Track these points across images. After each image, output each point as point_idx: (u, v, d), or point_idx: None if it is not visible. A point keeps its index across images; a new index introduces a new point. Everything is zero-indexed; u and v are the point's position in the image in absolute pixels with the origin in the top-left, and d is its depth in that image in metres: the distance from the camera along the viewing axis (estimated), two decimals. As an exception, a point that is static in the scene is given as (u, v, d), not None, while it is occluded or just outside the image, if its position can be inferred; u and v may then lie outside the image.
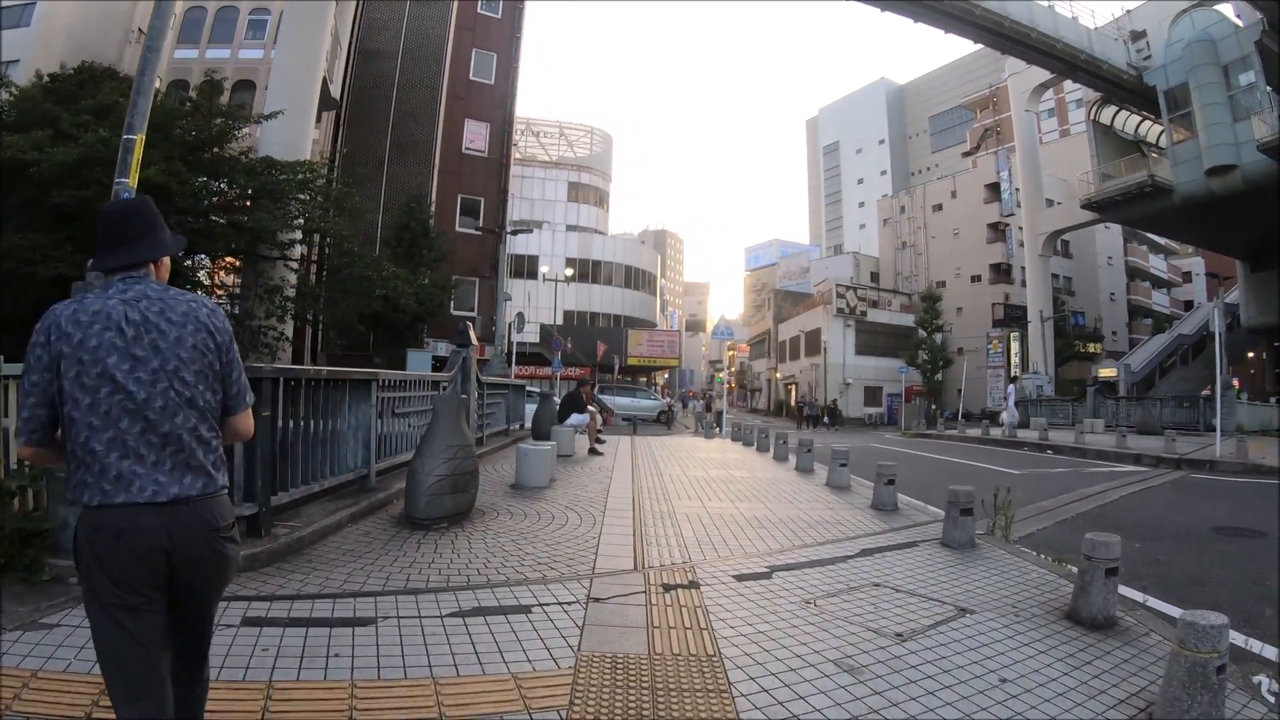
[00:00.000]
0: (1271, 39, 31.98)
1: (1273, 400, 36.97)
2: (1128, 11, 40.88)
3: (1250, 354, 50.59)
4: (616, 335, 57.18)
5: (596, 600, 5.03)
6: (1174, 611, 6.04)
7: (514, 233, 35.01)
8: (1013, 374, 45.38)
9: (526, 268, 59.14)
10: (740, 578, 5.80)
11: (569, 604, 4.92)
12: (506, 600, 4.97)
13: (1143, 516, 10.95)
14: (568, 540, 6.89)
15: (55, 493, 5.23)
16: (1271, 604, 6.25)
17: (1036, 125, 55.53)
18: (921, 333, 55.46)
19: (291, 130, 23.12)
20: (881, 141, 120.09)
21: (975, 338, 58.87)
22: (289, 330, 22.27)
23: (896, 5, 33.33)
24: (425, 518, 7.05)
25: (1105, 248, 68.12)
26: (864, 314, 60.32)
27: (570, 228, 69.35)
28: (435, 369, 19.22)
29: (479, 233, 35.15)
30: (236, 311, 20.81)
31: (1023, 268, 58.32)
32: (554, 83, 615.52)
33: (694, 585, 5.49)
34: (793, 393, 66.47)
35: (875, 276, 75.89)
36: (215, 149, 20.06)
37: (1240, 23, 35.70)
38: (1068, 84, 59.28)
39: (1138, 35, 39.61)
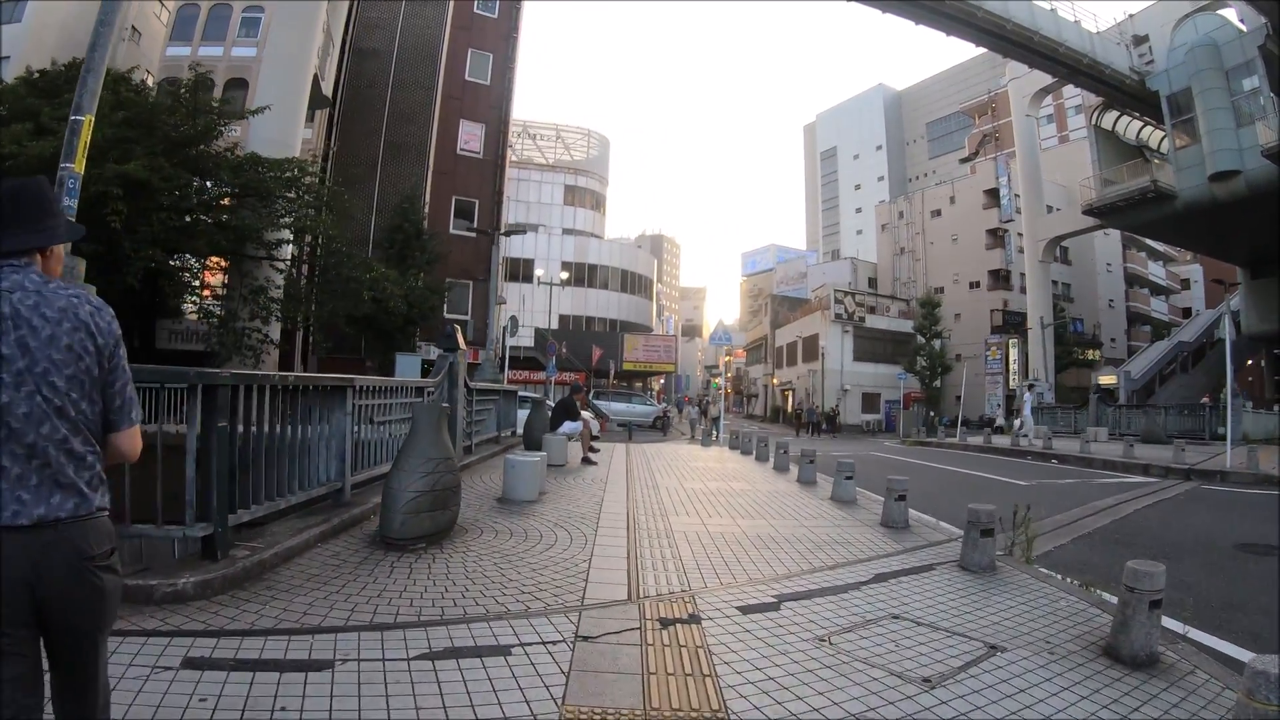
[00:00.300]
0: (1275, 43, 31.69)
1: (1275, 408, 36.48)
2: (1130, 16, 40.57)
3: (1249, 361, 50.16)
4: (612, 340, 56.78)
5: (585, 639, 4.46)
6: (1217, 644, 5.61)
7: (507, 234, 34.55)
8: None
9: (522, 271, 58.81)
10: (746, 610, 5.22)
11: (554, 643, 4.36)
12: (484, 638, 4.41)
13: (1161, 532, 10.47)
14: (556, 564, 6.30)
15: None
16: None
17: (1036, 131, 55.09)
18: (920, 339, 55.06)
19: (281, 127, 22.70)
20: (879, 147, 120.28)
21: (974, 344, 58.48)
22: (275, 333, 21.71)
23: (898, 6, 32.95)
24: (401, 538, 6.45)
25: (1104, 254, 67.84)
26: (862, 320, 59.90)
27: (566, 231, 69.04)
28: (425, 373, 18.66)
29: (473, 235, 34.69)
30: (222, 313, 20.33)
31: (1022, 274, 58.08)
32: (551, 86, 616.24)
33: (695, 620, 4.92)
34: (789, 398, 66.12)
35: (873, 282, 75.58)
36: (201, 145, 19.61)
37: (1244, 27, 35.39)
38: (1066, 90, 59.02)
39: (1140, 40, 39.29)
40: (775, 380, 71.42)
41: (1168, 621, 5.44)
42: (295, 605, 4.90)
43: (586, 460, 14.43)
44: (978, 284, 65.32)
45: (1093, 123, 46.06)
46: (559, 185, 72.17)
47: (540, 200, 70.36)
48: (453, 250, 34.84)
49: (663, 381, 74.56)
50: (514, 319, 30.70)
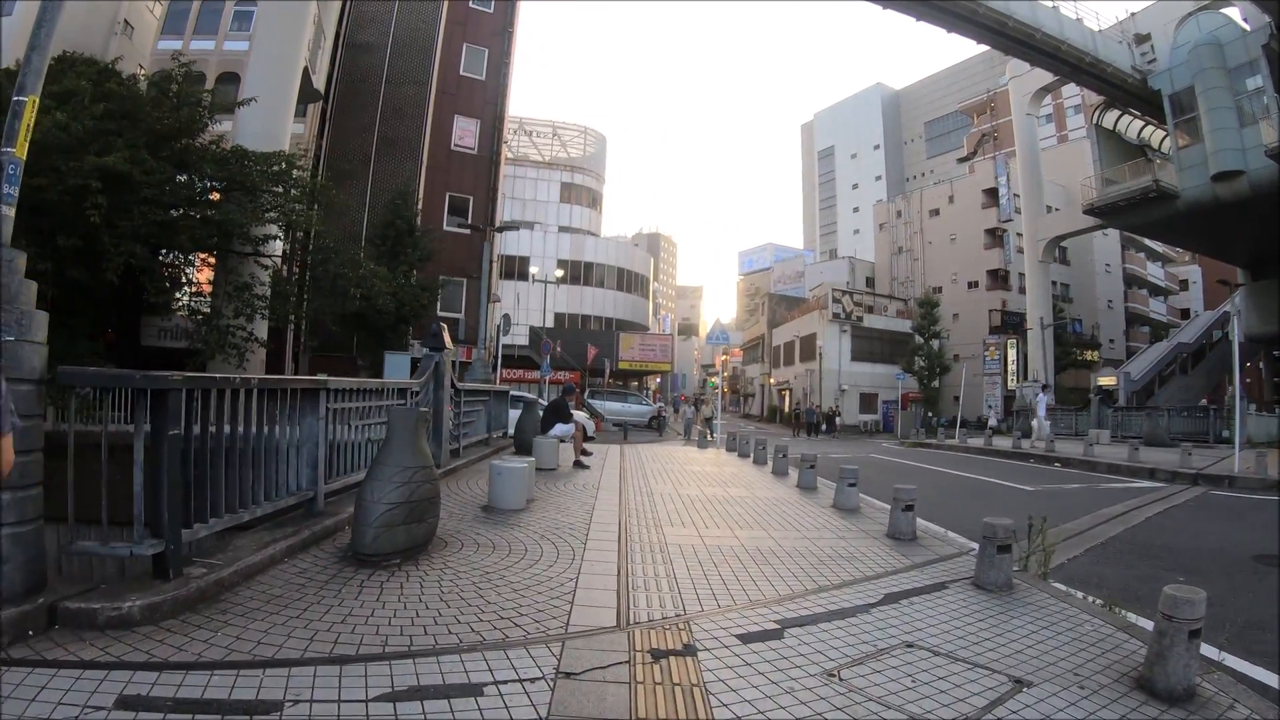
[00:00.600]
0: (1279, 42, 31.20)
1: (1277, 410, 36.06)
2: (1132, 14, 40.11)
3: (1248, 363, 49.77)
4: (608, 338, 56.43)
5: (568, 675, 3.98)
6: (1249, 670, 5.23)
7: (500, 229, 34.07)
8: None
9: (518, 269, 58.37)
10: (746, 638, 4.74)
11: (532, 680, 3.89)
12: (454, 674, 3.94)
13: (1175, 542, 10.03)
14: (540, 583, 5.81)
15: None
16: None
17: (1036, 130, 54.67)
18: (919, 338, 54.67)
19: (269, 120, 22.25)
20: (876, 147, 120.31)
21: (972, 344, 58.03)
22: (262, 331, 21.22)
23: (899, 4, 32.46)
24: (373, 554, 5.97)
25: (1103, 255, 67.49)
26: (860, 319, 59.50)
27: (563, 229, 68.61)
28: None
29: (467, 231, 34.19)
30: (206, 310, 19.87)
31: (1020, 274, 57.72)
32: (548, 83, 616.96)
33: (690, 651, 4.44)
34: (787, 398, 65.78)
35: (871, 281, 75.23)
36: (187, 139, 19.15)
37: (1247, 26, 34.93)
38: (1066, 90, 58.53)
39: (1142, 38, 38.82)
40: (772, 380, 71.06)
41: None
42: (250, 632, 4.45)
43: (579, 464, 13.97)
44: (976, 284, 64.88)
45: (1094, 122, 45.59)
46: (555, 183, 71.69)
47: (536, 198, 69.88)
48: (447, 247, 34.40)
49: (659, 381, 74.25)
50: (506, 317, 30.32)
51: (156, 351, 21.74)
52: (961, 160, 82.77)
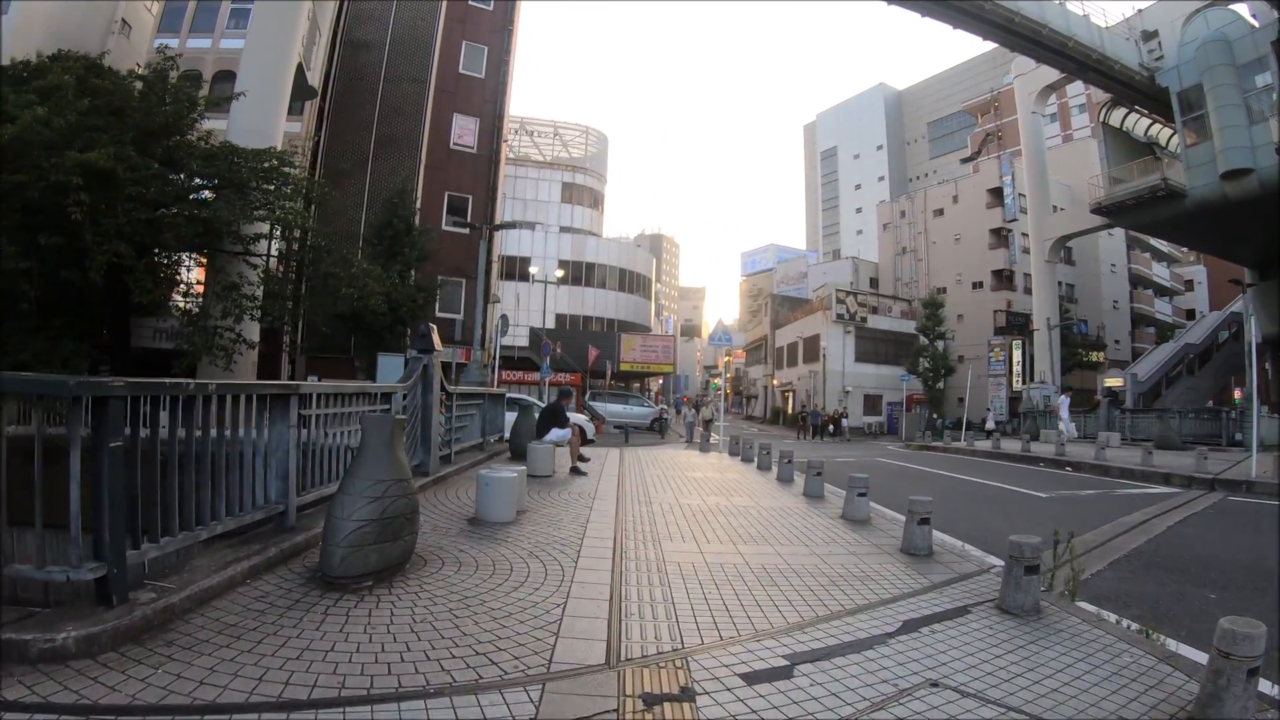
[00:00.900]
0: (1288, 39, 30.80)
1: (1287, 411, 35.52)
2: (1139, 11, 39.58)
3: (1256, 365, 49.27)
4: (610, 340, 55.87)
5: (546, 728, 3.48)
6: None
7: (496, 228, 33.61)
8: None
9: (518, 269, 57.88)
10: (751, 678, 4.20)
11: (506, 734, 3.39)
12: (416, 727, 3.44)
13: (1201, 553, 9.51)
14: (523, 609, 5.26)
15: None
16: None
17: (1042, 128, 54.16)
18: (923, 340, 54.11)
19: (261, 117, 21.79)
20: (879, 147, 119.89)
21: (977, 345, 57.39)
22: (253, 332, 20.75)
23: (905, 0, 32.01)
24: (341, 576, 5.43)
25: (1108, 255, 66.89)
26: (864, 320, 58.89)
27: (564, 229, 68.10)
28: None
29: (466, 231, 33.71)
30: (194, 311, 19.44)
31: (1025, 274, 57.20)
32: (550, 83, 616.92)
33: (688, 696, 3.91)
34: (790, 400, 65.26)
35: (874, 282, 74.66)
36: (177, 136, 18.74)
37: (1256, 23, 34.48)
38: (1070, 89, 58.00)
39: (1149, 35, 38.28)
40: (775, 381, 70.53)
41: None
42: (194, 670, 3.95)
43: (575, 470, 13.43)
44: (981, 284, 64.25)
45: (1100, 120, 45.10)
46: (556, 183, 71.12)
47: (537, 198, 69.31)
48: (445, 247, 33.92)
49: (661, 382, 73.76)
50: (504, 318, 29.76)
51: (148, 353, 21.35)
52: (965, 160, 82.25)
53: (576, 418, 23.11)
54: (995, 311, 60.36)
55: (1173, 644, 5.47)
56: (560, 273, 56.23)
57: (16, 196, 14.93)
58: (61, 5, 23.71)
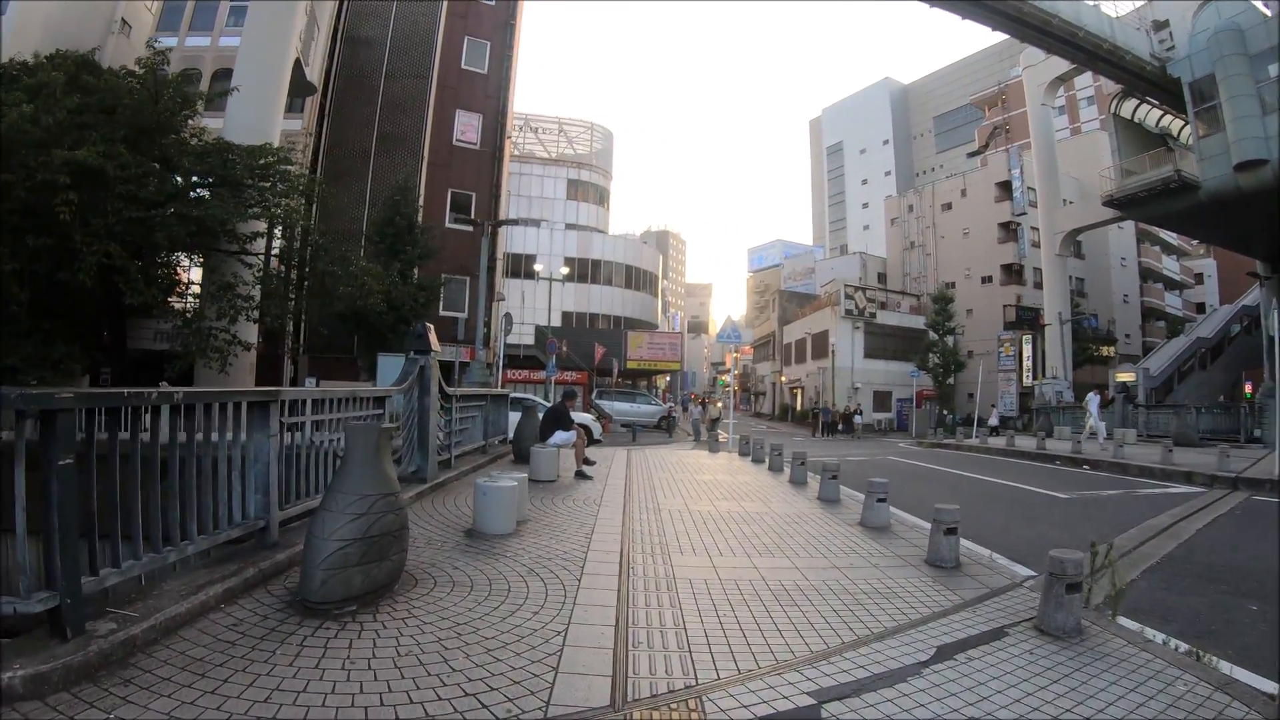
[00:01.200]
0: (1302, 28, 30.30)
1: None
2: (1149, 0, 39.06)
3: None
4: (616, 337, 55.44)
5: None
6: None
7: (498, 224, 33.21)
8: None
9: (524, 267, 57.53)
10: (774, 723, 3.76)
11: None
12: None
13: (1235, 559, 9.00)
14: (520, 638, 4.76)
15: None
16: None
17: (1052, 121, 53.64)
18: (933, 335, 53.60)
19: (257, 114, 21.45)
20: (886, 142, 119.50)
21: (986, 341, 56.87)
22: (250, 333, 20.35)
23: (916, -8, 31.59)
24: (322, 601, 4.95)
25: (1118, 249, 66.33)
26: (873, 315, 58.45)
27: (569, 226, 67.73)
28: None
29: (470, 229, 33.33)
30: (188, 311, 19.09)
31: (1035, 269, 56.82)
32: (554, 80, 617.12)
33: (703, 746, 3.46)
34: (798, 396, 64.85)
35: (882, 277, 74.16)
36: (173, 134, 18.38)
37: (1268, 11, 33.96)
38: (1078, 81, 57.39)
39: (1160, 25, 37.74)
40: (783, 378, 70.13)
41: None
42: (150, 715, 3.49)
43: (580, 474, 12.95)
44: (990, 279, 63.66)
45: (1111, 111, 44.55)
46: (561, 179, 70.68)
47: (542, 195, 68.90)
48: (449, 245, 33.62)
49: (668, 380, 73.38)
50: (508, 315, 29.41)
51: (148, 355, 21.04)
52: (972, 154, 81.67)
53: (582, 417, 22.76)
54: (1005, 306, 59.81)
55: (1225, 666, 5.02)
56: (566, 270, 55.87)
57: (4, 196, 14.57)
58: (60, 5, 23.43)
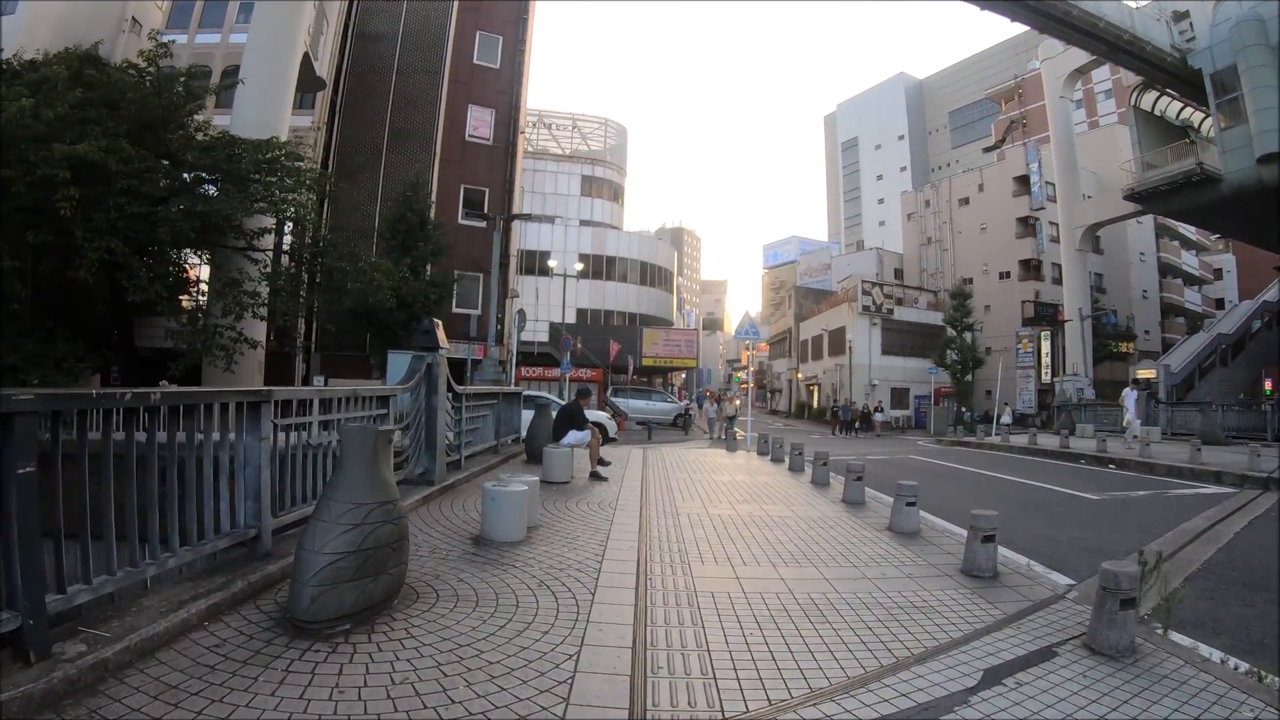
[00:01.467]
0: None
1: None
2: (1169, -10, 38.50)
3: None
4: (631, 334, 55.14)
5: None
6: None
7: (510, 219, 32.89)
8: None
9: (539, 264, 57.17)
10: (811, 765, 3.33)
11: None
12: None
13: (1276, 565, 8.55)
14: (528, 662, 4.34)
15: None
16: None
17: (1071, 114, 53.01)
18: (951, 331, 52.98)
19: (265, 108, 21.13)
20: (901, 137, 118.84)
21: (1004, 337, 56.20)
22: (258, 331, 20.02)
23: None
24: (312, 621, 4.54)
25: (1137, 243, 65.55)
26: (890, 312, 57.87)
27: (584, 223, 67.35)
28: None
29: (484, 225, 33.02)
30: (193, 309, 18.81)
31: (1054, 264, 56.19)
32: (568, 76, 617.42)
33: (733, 799, 3.04)
34: (815, 393, 64.38)
35: (899, 273, 73.53)
36: (181, 131, 18.08)
37: (1291, 1, 33.34)
38: (1096, 74, 56.67)
39: (1180, 16, 37.16)
40: (800, 375, 69.64)
41: None
42: (114, 753, 3.11)
43: (595, 475, 12.55)
44: (1008, 274, 62.94)
45: (1132, 103, 43.93)
46: (576, 176, 70.26)
47: (557, 191, 68.54)
48: (462, 241, 33.39)
49: (684, 377, 73.01)
50: (521, 312, 29.04)
51: (159, 354, 20.75)
52: (988, 149, 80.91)
53: (597, 415, 22.38)
54: (1023, 302, 59.09)
55: (1286, 684, 4.60)
56: (580, 266, 55.49)
57: (3, 192, 14.29)
58: (70, 5, 23.23)
